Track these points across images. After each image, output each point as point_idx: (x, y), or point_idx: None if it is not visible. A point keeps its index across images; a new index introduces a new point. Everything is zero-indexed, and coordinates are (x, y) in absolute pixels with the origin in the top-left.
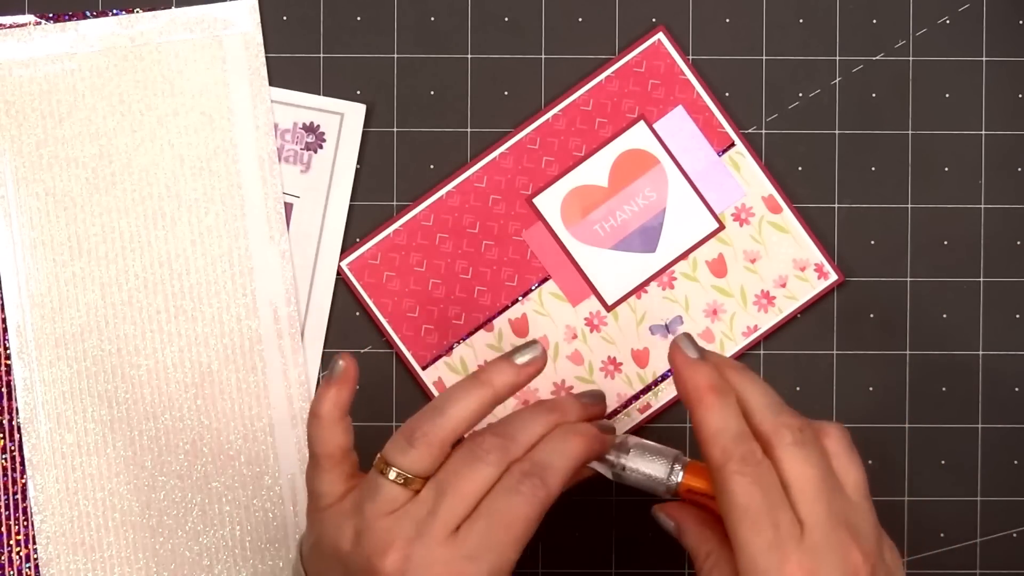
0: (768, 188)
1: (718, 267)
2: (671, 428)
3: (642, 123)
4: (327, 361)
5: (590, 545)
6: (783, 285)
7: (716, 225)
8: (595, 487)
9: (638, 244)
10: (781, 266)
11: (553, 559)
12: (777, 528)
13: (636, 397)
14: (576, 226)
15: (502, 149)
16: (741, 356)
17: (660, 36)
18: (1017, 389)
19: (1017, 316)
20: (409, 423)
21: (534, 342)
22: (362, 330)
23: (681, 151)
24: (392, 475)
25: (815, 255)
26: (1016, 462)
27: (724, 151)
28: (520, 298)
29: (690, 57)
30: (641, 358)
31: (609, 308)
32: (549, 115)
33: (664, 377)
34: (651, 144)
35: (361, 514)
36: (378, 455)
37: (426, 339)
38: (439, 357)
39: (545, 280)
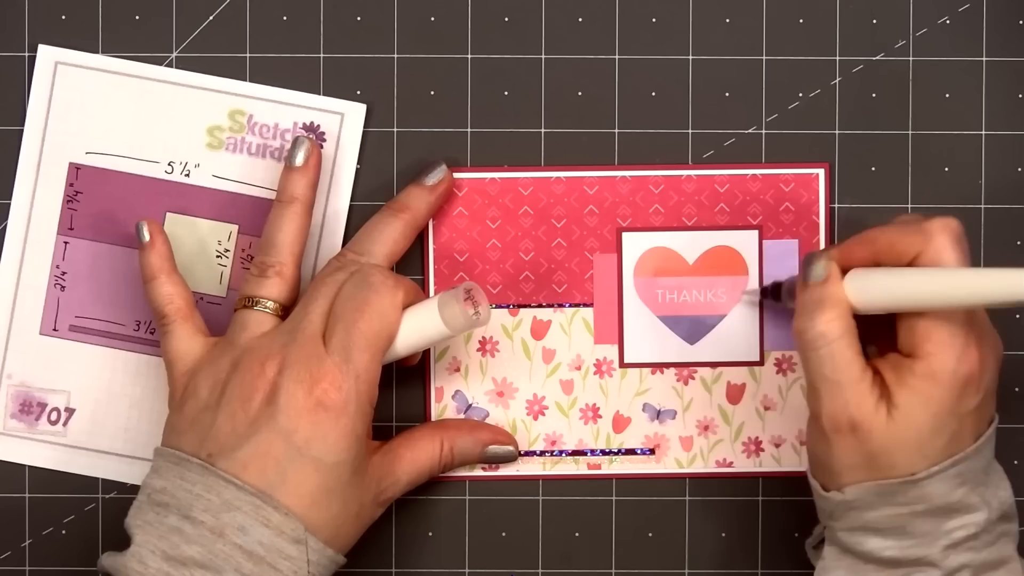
0: None
1: (734, 393)
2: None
3: (756, 233)
4: None
5: (590, 545)
6: (777, 445)
7: (757, 359)
8: (595, 487)
9: (683, 330)
10: (786, 428)
11: (553, 559)
12: None
13: (593, 452)
14: (642, 279)
15: (627, 174)
16: (692, 477)
17: (822, 172)
18: (1017, 389)
19: (1017, 316)
20: None
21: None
22: None
23: (771, 277)
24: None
25: None
26: (1016, 462)
27: None
28: (556, 306)
29: (690, 57)
30: (620, 424)
31: (623, 365)
32: (684, 174)
33: (625, 452)
34: (751, 255)
35: (235, 345)
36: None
37: (455, 283)
38: None
39: (587, 305)
